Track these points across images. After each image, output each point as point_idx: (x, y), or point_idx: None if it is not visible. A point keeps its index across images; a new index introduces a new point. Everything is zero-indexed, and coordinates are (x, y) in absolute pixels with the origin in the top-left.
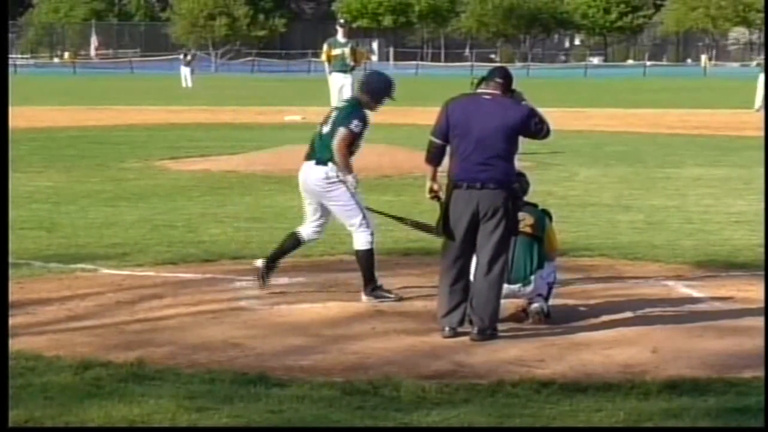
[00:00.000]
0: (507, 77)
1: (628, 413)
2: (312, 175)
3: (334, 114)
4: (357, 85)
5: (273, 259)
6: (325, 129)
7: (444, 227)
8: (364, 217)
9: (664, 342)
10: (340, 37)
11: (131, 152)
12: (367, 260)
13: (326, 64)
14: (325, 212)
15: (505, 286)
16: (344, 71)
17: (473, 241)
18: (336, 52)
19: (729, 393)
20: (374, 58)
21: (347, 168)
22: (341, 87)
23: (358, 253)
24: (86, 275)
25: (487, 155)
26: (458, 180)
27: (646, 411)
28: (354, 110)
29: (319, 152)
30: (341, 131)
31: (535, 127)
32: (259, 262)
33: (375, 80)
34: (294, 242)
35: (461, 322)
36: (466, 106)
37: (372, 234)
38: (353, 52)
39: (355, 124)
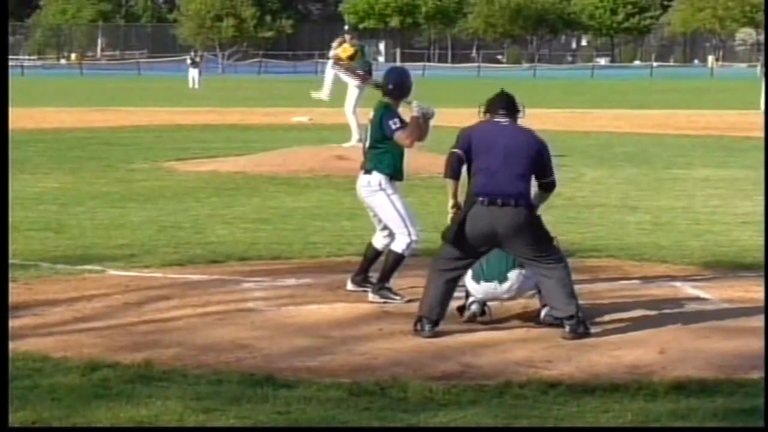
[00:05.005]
0: (509, 105)
1: (635, 414)
2: (359, 182)
3: (368, 127)
4: (383, 86)
5: (358, 273)
6: (367, 144)
7: (454, 237)
8: (407, 225)
9: (672, 343)
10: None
11: (138, 153)
12: (392, 262)
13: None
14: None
15: (482, 283)
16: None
17: (479, 256)
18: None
19: (736, 394)
20: (380, 58)
21: (420, 126)
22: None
23: (390, 251)
24: (94, 276)
25: (512, 171)
26: (480, 195)
27: (653, 412)
28: (383, 115)
29: (367, 163)
30: (396, 138)
31: (543, 162)
32: (371, 296)
33: (395, 75)
34: (373, 252)
35: (440, 319)
36: (487, 128)
37: (411, 243)
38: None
39: (393, 124)
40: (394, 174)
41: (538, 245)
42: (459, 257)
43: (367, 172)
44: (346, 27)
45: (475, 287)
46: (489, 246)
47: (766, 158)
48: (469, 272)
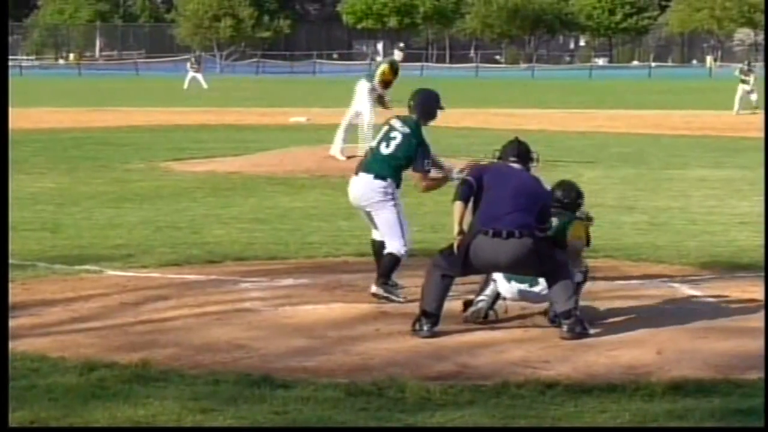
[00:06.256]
0: (521, 152)
1: (632, 414)
2: (369, 187)
3: (393, 135)
4: (409, 107)
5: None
6: (386, 150)
7: (456, 262)
8: (403, 236)
9: (669, 343)
10: (398, 57)
11: (135, 153)
12: (390, 262)
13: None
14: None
15: (513, 283)
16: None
17: (479, 273)
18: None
19: (733, 394)
20: (378, 58)
21: (439, 182)
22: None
23: (386, 254)
24: (90, 276)
25: (519, 206)
26: (485, 226)
27: (650, 412)
28: (419, 143)
29: (380, 168)
30: (419, 176)
31: (546, 210)
32: (374, 288)
33: (422, 98)
34: (381, 247)
35: (437, 314)
36: (500, 167)
37: (405, 249)
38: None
39: (426, 164)
40: (400, 184)
41: (542, 267)
42: (458, 273)
43: (381, 177)
44: (401, 45)
45: (506, 286)
46: (492, 271)
47: (766, 159)
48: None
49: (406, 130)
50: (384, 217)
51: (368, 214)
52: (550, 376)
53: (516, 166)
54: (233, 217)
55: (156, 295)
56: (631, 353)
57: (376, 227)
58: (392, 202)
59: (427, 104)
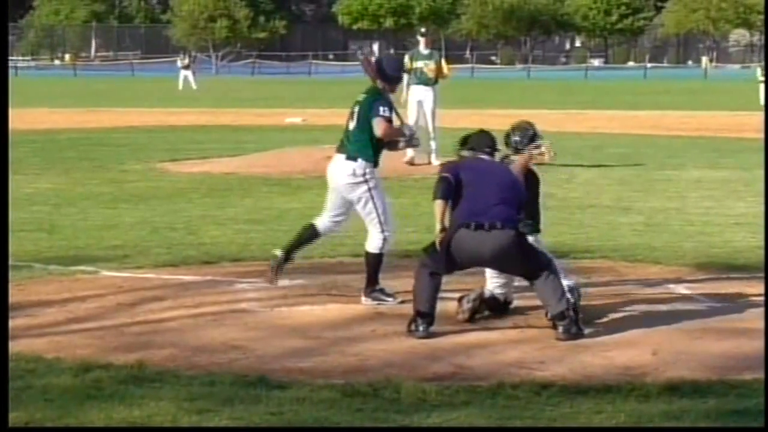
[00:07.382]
0: (492, 145)
1: (628, 415)
2: (340, 169)
3: (357, 109)
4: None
5: (289, 251)
6: (352, 125)
7: (440, 259)
8: (380, 222)
9: (665, 344)
10: (422, 48)
11: (131, 154)
12: (372, 263)
13: (405, 76)
14: (347, 208)
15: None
16: (425, 84)
17: (464, 269)
18: (418, 64)
19: (729, 395)
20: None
21: (399, 133)
22: (421, 101)
23: (367, 254)
24: (86, 277)
25: (500, 199)
26: (468, 220)
27: (646, 413)
28: (376, 99)
29: (350, 147)
30: (376, 121)
31: (523, 195)
32: (278, 253)
33: (384, 65)
34: (311, 234)
35: (432, 313)
36: (475, 161)
37: (385, 240)
38: (438, 65)
39: (382, 110)
40: (377, 162)
41: (525, 265)
42: (444, 269)
43: (350, 158)
44: (423, 30)
45: (487, 275)
46: (476, 266)
47: (765, 159)
48: None
49: (363, 96)
50: (360, 204)
51: (342, 200)
52: (546, 377)
53: (487, 158)
54: (229, 218)
55: (152, 296)
56: (626, 354)
57: (333, 212)
58: (365, 186)
59: (382, 68)
